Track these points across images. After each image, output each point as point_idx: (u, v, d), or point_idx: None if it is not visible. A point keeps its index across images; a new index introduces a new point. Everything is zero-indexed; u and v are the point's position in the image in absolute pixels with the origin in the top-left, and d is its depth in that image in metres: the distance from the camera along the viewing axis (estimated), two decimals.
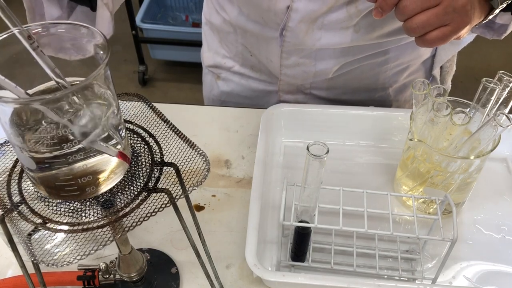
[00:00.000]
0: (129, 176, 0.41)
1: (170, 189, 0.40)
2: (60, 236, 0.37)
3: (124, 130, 0.40)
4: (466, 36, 0.77)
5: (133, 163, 0.42)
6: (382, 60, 0.77)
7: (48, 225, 0.37)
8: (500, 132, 0.54)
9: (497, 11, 0.58)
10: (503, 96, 0.57)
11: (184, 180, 0.42)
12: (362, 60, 0.76)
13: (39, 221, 0.37)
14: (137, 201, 0.39)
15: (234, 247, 0.62)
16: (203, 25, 0.88)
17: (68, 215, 0.38)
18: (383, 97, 0.83)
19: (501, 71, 0.56)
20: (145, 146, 0.44)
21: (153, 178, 0.41)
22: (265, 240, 0.62)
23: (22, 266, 0.40)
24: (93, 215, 0.38)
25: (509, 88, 0.56)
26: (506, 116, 0.53)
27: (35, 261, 0.37)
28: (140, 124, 0.46)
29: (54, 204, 0.38)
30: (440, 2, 0.52)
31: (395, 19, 0.55)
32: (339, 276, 0.59)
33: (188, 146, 0.45)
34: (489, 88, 0.56)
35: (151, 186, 0.40)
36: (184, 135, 0.46)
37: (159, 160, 0.43)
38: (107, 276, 0.55)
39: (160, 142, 0.44)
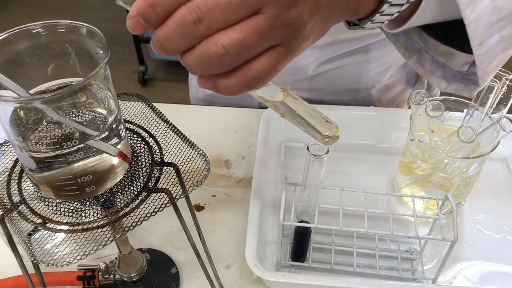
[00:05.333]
0: (129, 176, 0.41)
1: (170, 189, 0.40)
2: (60, 236, 0.37)
3: (124, 130, 0.40)
4: None
5: (133, 163, 0.42)
6: (364, 60, 0.76)
7: (48, 225, 0.37)
8: (502, 136, 0.54)
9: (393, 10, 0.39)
10: (501, 93, 0.56)
11: (184, 180, 0.42)
12: (342, 57, 0.75)
13: (39, 221, 0.37)
14: (137, 201, 0.39)
15: (234, 247, 0.62)
16: None
17: (68, 215, 0.38)
18: (366, 98, 0.83)
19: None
20: (145, 146, 0.44)
21: (153, 178, 0.41)
22: (265, 240, 0.62)
23: (22, 266, 0.40)
24: (93, 215, 0.38)
25: (506, 85, 0.56)
26: (510, 120, 0.53)
27: (35, 261, 0.37)
28: (140, 124, 0.46)
29: (54, 204, 0.38)
30: (260, 9, 0.31)
31: None
32: (339, 276, 0.59)
33: (188, 146, 0.45)
34: (487, 85, 0.56)
35: (151, 186, 0.40)
36: (184, 135, 0.46)
37: (159, 160, 0.43)
38: (107, 276, 0.55)
39: (160, 142, 0.44)
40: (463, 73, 0.49)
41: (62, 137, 0.34)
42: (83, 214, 0.38)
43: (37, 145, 0.35)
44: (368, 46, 0.75)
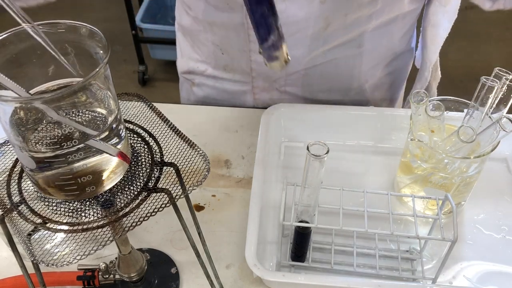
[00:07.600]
0: (129, 176, 0.41)
1: (170, 189, 0.40)
2: (60, 236, 0.37)
3: (124, 130, 0.40)
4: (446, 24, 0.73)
5: (133, 163, 0.42)
6: (357, 53, 0.76)
7: (48, 225, 0.37)
8: (502, 136, 0.54)
9: None
10: (501, 93, 0.56)
11: (184, 180, 0.42)
12: (335, 50, 0.74)
13: (39, 221, 0.37)
14: (137, 201, 0.39)
15: (234, 247, 0.62)
16: (176, 32, 0.89)
17: (68, 215, 0.38)
18: (359, 95, 0.83)
19: (497, 68, 0.56)
20: (145, 146, 0.44)
21: (153, 178, 0.41)
22: (265, 240, 0.62)
23: (22, 266, 0.40)
24: (93, 215, 0.38)
25: (506, 85, 0.56)
26: (510, 120, 0.53)
27: (35, 261, 0.37)
28: (140, 124, 0.46)
29: (54, 204, 0.38)
30: None
31: None
32: (339, 276, 0.59)
33: (188, 146, 0.45)
34: (487, 85, 0.56)
35: (151, 186, 0.40)
36: (184, 135, 0.46)
37: (159, 160, 0.42)
38: (107, 276, 0.55)
39: (160, 142, 0.44)
40: None
41: (62, 137, 0.34)
42: (83, 214, 0.38)
43: (37, 145, 0.35)
44: (361, 39, 0.74)
